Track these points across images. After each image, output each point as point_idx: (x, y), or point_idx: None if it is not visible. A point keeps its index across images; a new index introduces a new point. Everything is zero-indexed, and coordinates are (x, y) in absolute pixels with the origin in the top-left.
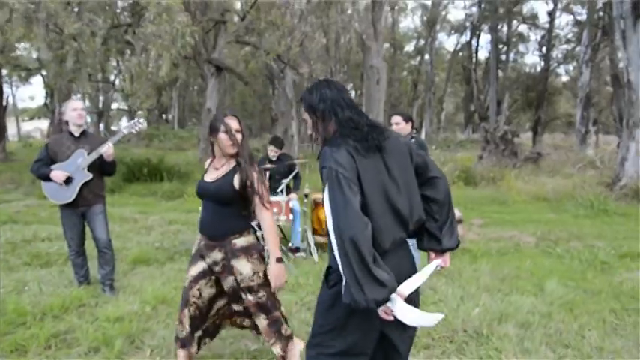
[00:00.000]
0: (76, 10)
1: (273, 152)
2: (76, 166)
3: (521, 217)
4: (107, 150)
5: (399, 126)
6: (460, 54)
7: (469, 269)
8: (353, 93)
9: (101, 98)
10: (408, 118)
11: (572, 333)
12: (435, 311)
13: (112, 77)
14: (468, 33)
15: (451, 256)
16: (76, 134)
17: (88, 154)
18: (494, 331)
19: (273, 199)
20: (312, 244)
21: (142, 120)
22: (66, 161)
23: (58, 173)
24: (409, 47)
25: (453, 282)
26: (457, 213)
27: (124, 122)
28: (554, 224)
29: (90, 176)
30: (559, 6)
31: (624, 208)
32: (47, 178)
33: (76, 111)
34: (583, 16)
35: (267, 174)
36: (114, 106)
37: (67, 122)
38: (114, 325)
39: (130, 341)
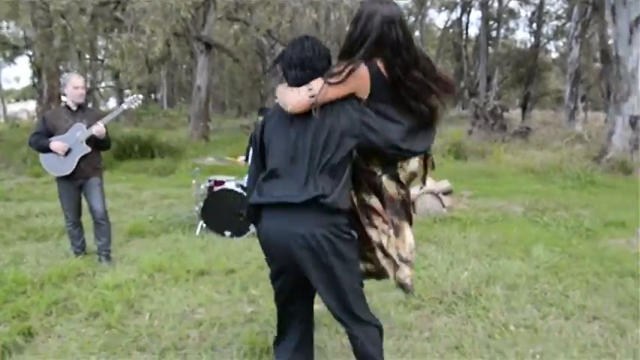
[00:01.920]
0: None
1: None
2: (75, 139)
3: (510, 188)
4: (99, 129)
5: None
6: (450, 30)
7: (458, 237)
8: None
9: (89, 76)
10: None
11: (557, 293)
12: (425, 276)
13: (99, 56)
14: (459, 9)
15: (441, 225)
16: (74, 108)
17: (87, 128)
18: (482, 292)
19: None
20: None
21: (140, 96)
22: (64, 134)
23: (58, 144)
24: None
25: (443, 249)
26: (446, 184)
27: (112, 101)
28: (541, 195)
29: (88, 149)
30: None
31: (611, 179)
32: (46, 150)
33: (77, 90)
34: None
35: None
36: (101, 84)
37: (64, 94)
38: (112, 292)
39: (129, 306)
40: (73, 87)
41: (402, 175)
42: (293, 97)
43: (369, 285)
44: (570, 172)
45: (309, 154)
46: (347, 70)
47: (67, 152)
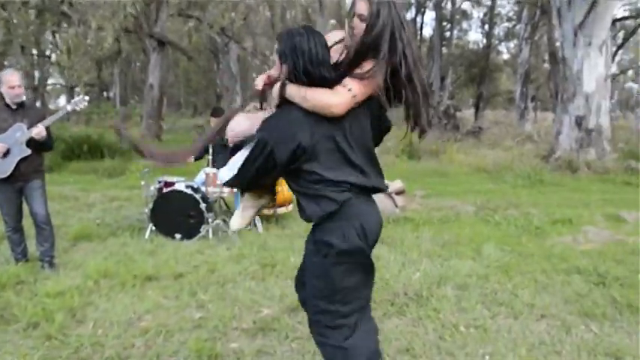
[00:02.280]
0: None
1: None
2: (14, 139)
3: (462, 187)
4: (38, 132)
5: None
6: None
7: (411, 237)
8: None
9: (37, 74)
10: None
11: (507, 292)
12: (377, 277)
13: (48, 52)
14: (413, 10)
15: (394, 225)
16: (13, 107)
17: (28, 129)
18: (433, 293)
19: (217, 171)
20: (256, 216)
21: (85, 97)
22: (3, 134)
23: None
24: None
25: (395, 249)
26: (399, 184)
27: (62, 99)
28: (493, 194)
29: (28, 152)
30: None
31: (558, 178)
32: None
33: (13, 89)
34: None
35: (211, 147)
36: (50, 81)
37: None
38: (54, 300)
39: (72, 315)
40: (8, 86)
41: None
42: (334, 99)
43: None
44: (521, 171)
45: (364, 150)
46: (375, 71)
47: (6, 153)
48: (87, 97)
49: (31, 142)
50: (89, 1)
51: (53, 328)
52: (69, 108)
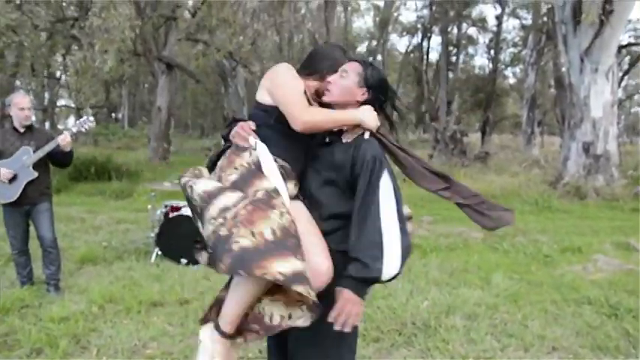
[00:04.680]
0: (17, 2)
1: None
2: (21, 163)
3: None
4: (64, 138)
5: None
6: (412, 55)
7: (419, 264)
8: None
9: (47, 95)
10: None
11: (516, 323)
12: (385, 306)
13: (58, 73)
14: (420, 35)
15: None
16: (21, 130)
17: (34, 151)
18: (441, 323)
19: None
20: None
21: (91, 118)
22: (10, 158)
23: (2, 171)
24: (362, 48)
25: (403, 277)
26: (406, 210)
27: (71, 120)
28: None
29: (35, 175)
30: (506, 10)
31: (567, 204)
32: None
33: (23, 111)
34: (528, 21)
35: None
36: (60, 103)
37: (9, 116)
38: (59, 325)
39: (76, 341)
40: (19, 108)
41: None
42: None
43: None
44: (528, 197)
45: None
46: None
47: (13, 178)
48: (92, 118)
49: (38, 164)
50: (97, 26)
51: (57, 354)
52: (74, 129)
